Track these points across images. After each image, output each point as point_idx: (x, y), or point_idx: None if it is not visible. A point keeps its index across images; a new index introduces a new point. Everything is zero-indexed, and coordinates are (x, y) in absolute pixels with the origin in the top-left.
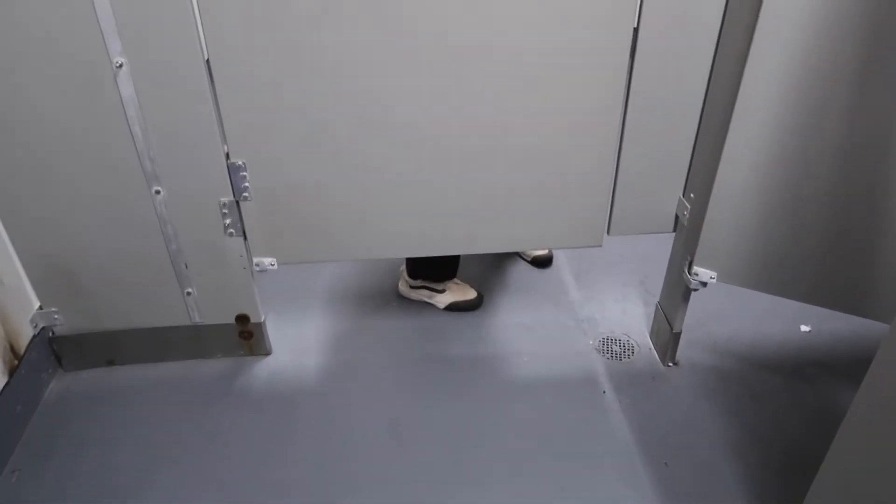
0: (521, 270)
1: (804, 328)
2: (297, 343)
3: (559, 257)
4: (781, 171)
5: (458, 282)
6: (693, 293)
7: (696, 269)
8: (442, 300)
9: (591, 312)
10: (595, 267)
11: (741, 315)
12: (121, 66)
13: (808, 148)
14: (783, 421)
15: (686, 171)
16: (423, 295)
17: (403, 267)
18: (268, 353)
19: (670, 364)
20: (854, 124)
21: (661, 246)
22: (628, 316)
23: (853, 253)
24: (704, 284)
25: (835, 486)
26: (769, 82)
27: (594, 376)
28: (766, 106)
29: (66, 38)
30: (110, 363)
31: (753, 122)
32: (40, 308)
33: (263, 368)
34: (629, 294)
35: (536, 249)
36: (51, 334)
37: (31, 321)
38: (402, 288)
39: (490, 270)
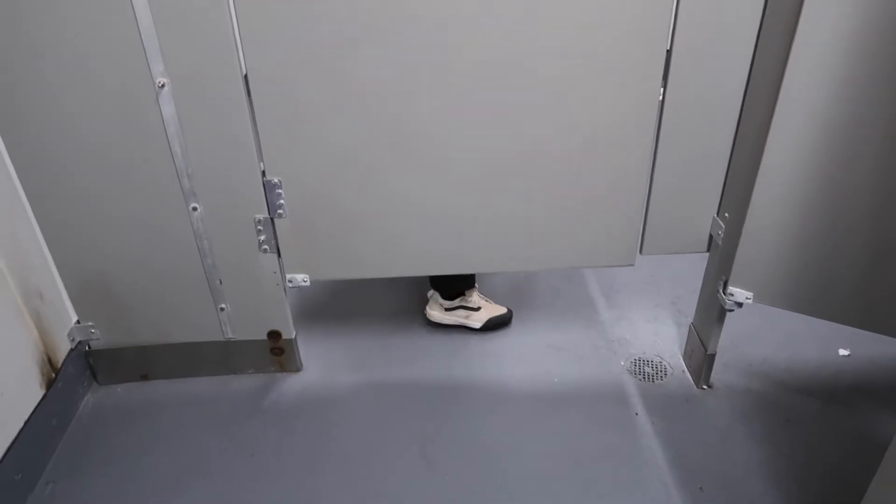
0: (550, 290)
1: (842, 352)
2: (328, 360)
3: (589, 276)
4: (819, 189)
5: (487, 299)
6: (727, 314)
7: (731, 289)
8: (479, 317)
9: (622, 333)
10: (626, 287)
11: (776, 337)
12: (163, 86)
13: (846, 165)
14: (820, 447)
15: (720, 190)
16: (459, 316)
17: (433, 292)
18: (299, 370)
19: (704, 386)
20: (893, 138)
21: (693, 266)
22: (660, 337)
23: (894, 273)
24: (740, 305)
25: None
26: (807, 99)
27: (626, 398)
28: (804, 123)
29: (112, 61)
30: (144, 377)
31: (790, 140)
32: (78, 322)
33: (294, 385)
34: (661, 315)
35: (569, 267)
36: (87, 348)
37: (69, 335)
38: (435, 313)
39: (518, 290)
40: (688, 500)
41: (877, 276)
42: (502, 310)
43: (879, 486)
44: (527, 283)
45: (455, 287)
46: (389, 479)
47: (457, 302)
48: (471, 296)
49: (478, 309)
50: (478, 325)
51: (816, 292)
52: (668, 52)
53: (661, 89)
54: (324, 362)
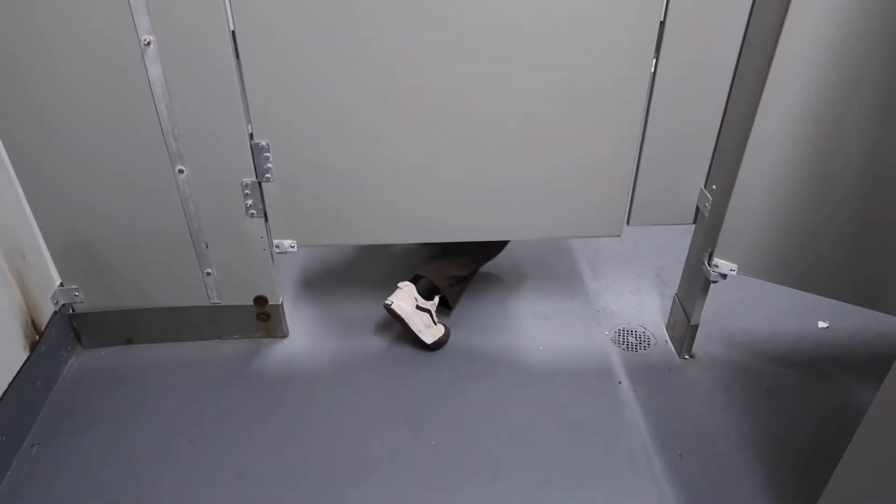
0: (537, 259)
1: (821, 324)
2: (314, 326)
3: (575, 247)
4: (807, 163)
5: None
6: (711, 286)
7: (716, 260)
8: (434, 333)
9: (606, 303)
10: (611, 258)
11: (758, 310)
12: (149, 43)
13: (835, 141)
14: (799, 417)
15: (709, 162)
16: (423, 321)
17: (407, 283)
18: (285, 336)
19: (686, 357)
20: (882, 115)
21: (677, 239)
22: (644, 308)
23: (878, 247)
24: (724, 276)
25: (852, 484)
26: (797, 74)
27: (610, 367)
28: (793, 98)
29: (96, 16)
30: (129, 342)
31: (779, 114)
32: (61, 285)
33: (280, 351)
34: (645, 286)
35: (556, 237)
36: (71, 311)
37: (52, 298)
38: (404, 305)
39: (505, 259)
40: (668, 466)
41: (860, 250)
42: (442, 330)
43: (854, 455)
44: (513, 251)
45: (451, 284)
46: (375, 446)
47: (430, 304)
48: (435, 306)
49: (437, 324)
50: (430, 340)
51: (800, 265)
52: (662, 24)
53: (654, 60)
54: (310, 329)
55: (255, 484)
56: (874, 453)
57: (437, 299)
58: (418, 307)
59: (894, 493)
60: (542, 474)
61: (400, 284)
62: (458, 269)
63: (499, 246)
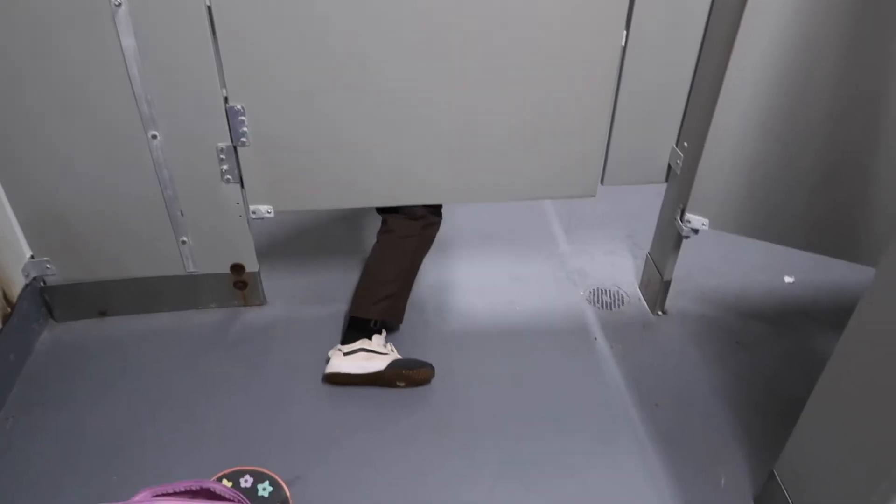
0: (512, 224)
1: (787, 279)
2: (292, 294)
3: (548, 211)
4: (776, 117)
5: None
6: (683, 243)
7: (688, 216)
8: (384, 360)
9: (580, 265)
10: (584, 222)
11: (729, 268)
12: (119, 4)
13: (803, 94)
14: (768, 366)
15: (680, 120)
16: (361, 359)
17: (337, 347)
18: (262, 304)
19: (660, 313)
20: (848, 71)
21: (648, 204)
22: (617, 268)
23: (845, 198)
24: (696, 231)
25: (818, 425)
26: (765, 29)
27: (585, 325)
28: (762, 53)
29: None
30: (102, 314)
31: (749, 70)
32: (32, 257)
33: (259, 318)
34: (618, 248)
35: (532, 198)
36: (42, 284)
37: (23, 270)
38: (335, 361)
39: (481, 224)
40: (645, 416)
41: (829, 202)
42: (388, 358)
43: (818, 399)
44: (489, 217)
45: (376, 302)
46: (356, 407)
47: (357, 344)
48: (372, 343)
49: (384, 354)
50: (383, 365)
51: (771, 218)
52: None
53: (626, 20)
54: (288, 297)
55: (242, 446)
56: (836, 396)
57: (375, 338)
58: (345, 353)
59: (857, 432)
60: (524, 428)
61: (329, 353)
62: (377, 289)
63: (417, 246)
